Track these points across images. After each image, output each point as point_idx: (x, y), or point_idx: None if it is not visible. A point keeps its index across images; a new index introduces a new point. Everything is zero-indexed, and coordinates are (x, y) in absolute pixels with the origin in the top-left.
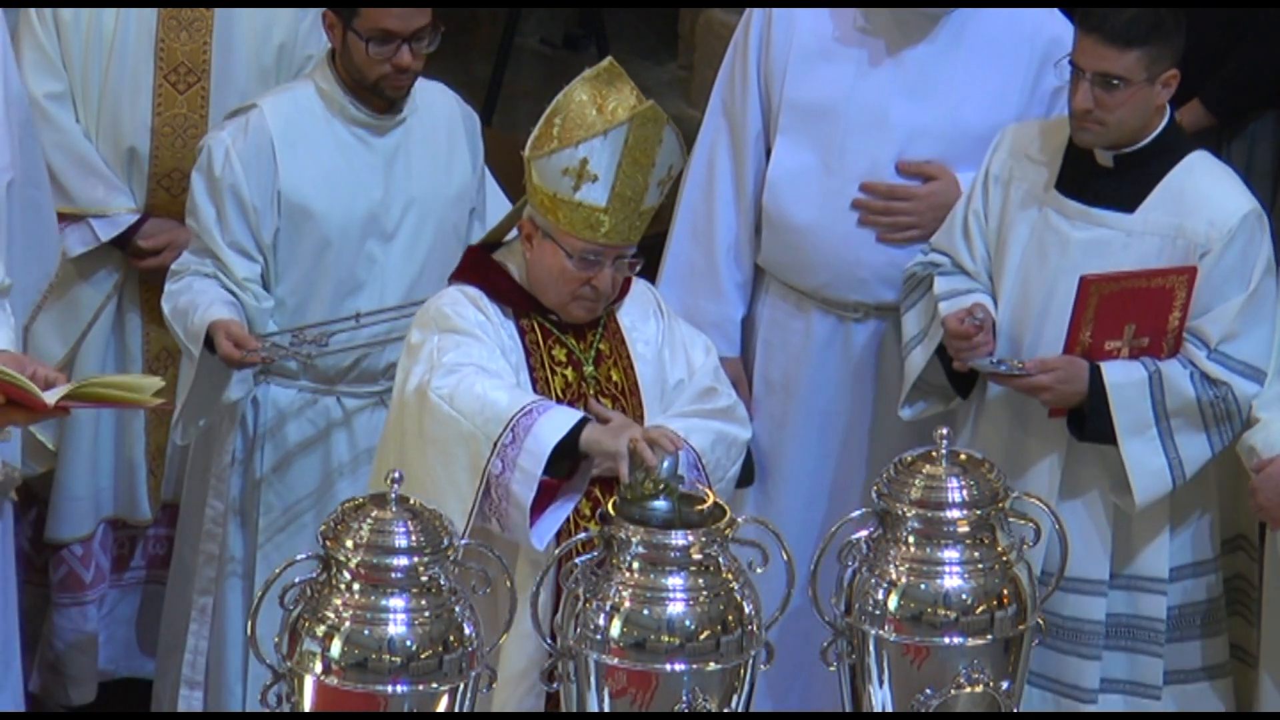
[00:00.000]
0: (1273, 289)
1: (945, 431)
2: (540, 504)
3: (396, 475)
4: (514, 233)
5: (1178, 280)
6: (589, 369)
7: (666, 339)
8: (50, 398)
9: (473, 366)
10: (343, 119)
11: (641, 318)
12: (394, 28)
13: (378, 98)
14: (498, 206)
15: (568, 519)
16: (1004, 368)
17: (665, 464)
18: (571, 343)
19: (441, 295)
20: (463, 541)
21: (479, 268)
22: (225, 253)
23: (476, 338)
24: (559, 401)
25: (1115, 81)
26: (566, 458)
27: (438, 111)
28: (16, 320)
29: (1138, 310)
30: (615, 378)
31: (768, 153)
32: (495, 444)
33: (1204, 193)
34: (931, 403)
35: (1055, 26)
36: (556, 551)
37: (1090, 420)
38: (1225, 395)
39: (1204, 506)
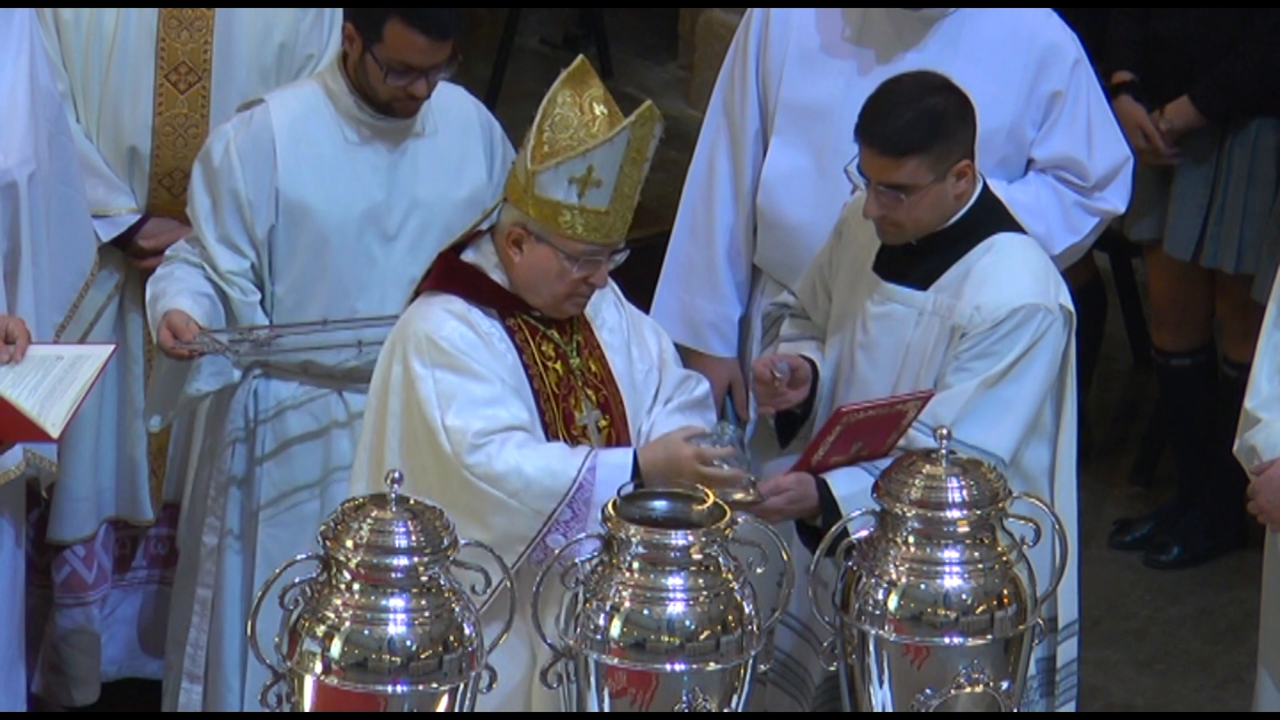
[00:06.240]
0: (1022, 381)
1: (946, 430)
2: None
3: (396, 475)
4: (486, 223)
5: (913, 404)
6: (575, 361)
7: (633, 330)
8: (54, 429)
9: (498, 436)
10: (348, 118)
11: (602, 308)
12: (416, 63)
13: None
14: None
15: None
16: (739, 474)
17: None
18: (556, 336)
19: (426, 316)
20: (464, 542)
21: (456, 274)
22: (212, 245)
23: (475, 375)
24: (554, 396)
25: (900, 190)
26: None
27: (453, 115)
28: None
29: (869, 431)
30: (594, 368)
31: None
32: (550, 518)
33: (985, 277)
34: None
35: (1053, 32)
36: (556, 552)
37: (825, 532)
38: None
39: None
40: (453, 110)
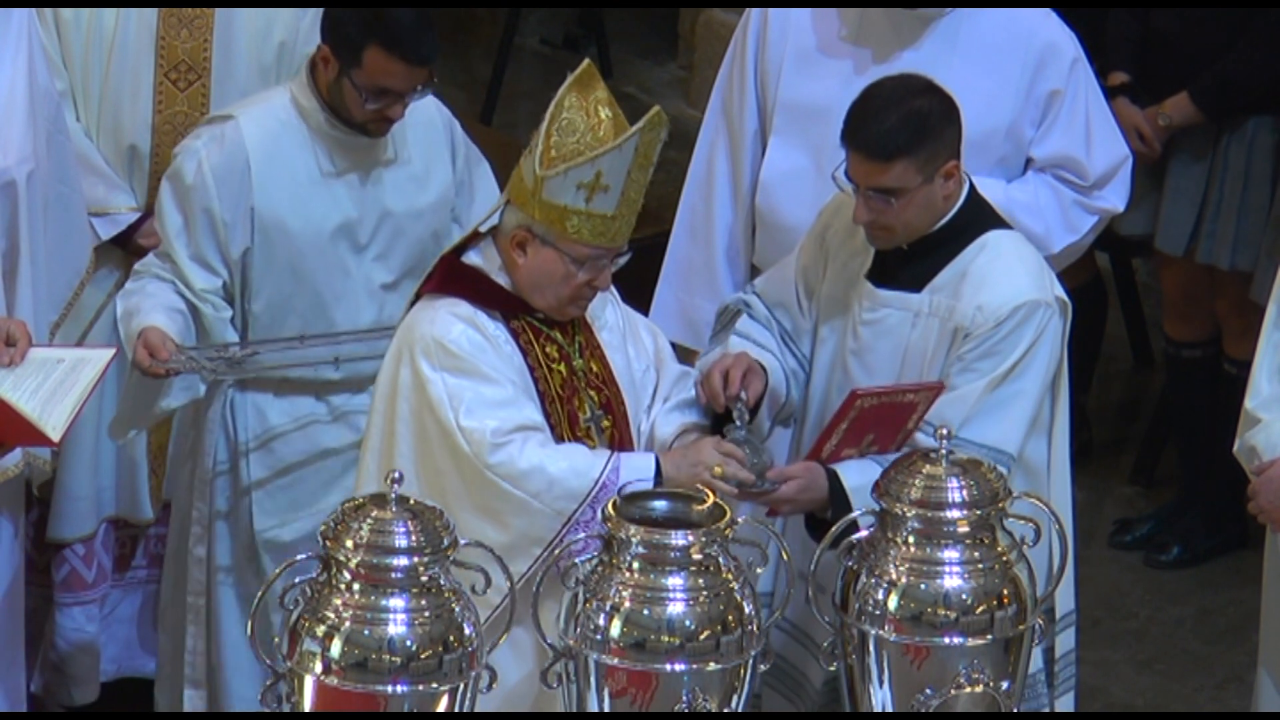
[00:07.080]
0: (1026, 376)
1: (946, 430)
2: None
3: (397, 475)
4: (488, 223)
5: (924, 395)
6: (578, 362)
7: (629, 329)
8: (55, 433)
9: (517, 436)
10: (318, 134)
11: (600, 308)
12: (394, 88)
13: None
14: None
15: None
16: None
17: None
18: (559, 338)
19: (433, 320)
20: (464, 542)
21: (459, 277)
22: (185, 264)
23: (484, 377)
24: (559, 398)
25: (889, 194)
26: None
27: (417, 121)
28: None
29: (882, 421)
30: (595, 369)
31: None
32: (571, 518)
33: (983, 276)
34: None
35: (1051, 31)
36: (556, 552)
37: (834, 524)
38: None
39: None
40: (415, 116)
